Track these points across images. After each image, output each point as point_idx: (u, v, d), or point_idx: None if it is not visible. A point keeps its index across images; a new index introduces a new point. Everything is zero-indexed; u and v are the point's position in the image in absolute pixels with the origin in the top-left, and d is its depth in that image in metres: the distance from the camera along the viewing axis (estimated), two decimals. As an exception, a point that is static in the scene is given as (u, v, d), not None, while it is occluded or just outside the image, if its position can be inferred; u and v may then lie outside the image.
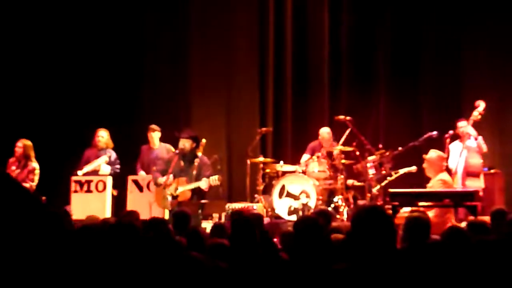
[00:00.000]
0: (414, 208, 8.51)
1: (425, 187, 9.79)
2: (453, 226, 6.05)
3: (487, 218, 8.97)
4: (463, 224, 6.99)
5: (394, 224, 3.73)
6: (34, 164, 10.64)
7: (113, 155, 11.15)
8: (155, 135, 11.48)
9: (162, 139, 11.57)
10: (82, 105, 12.88)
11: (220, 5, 13.24)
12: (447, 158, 10.25)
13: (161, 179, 9.86)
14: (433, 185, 9.63)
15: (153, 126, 11.60)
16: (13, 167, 10.68)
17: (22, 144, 10.67)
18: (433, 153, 9.96)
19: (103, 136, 11.17)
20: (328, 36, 12.96)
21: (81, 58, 12.95)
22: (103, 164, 10.96)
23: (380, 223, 3.41)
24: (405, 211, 8.99)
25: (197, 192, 9.73)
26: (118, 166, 11.17)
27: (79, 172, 10.86)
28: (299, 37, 13.10)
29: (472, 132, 10.39)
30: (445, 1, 12.52)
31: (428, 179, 9.88)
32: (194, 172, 9.77)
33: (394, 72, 12.75)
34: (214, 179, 9.63)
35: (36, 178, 10.60)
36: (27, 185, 10.18)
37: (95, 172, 10.91)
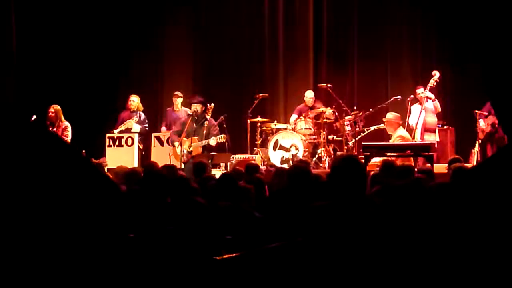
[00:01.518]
0: (383, 158, 8.51)
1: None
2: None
3: (441, 166, 9.01)
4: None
5: (366, 170, 3.73)
6: (66, 123, 10.40)
7: (142, 115, 11.12)
8: (179, 100, 11.47)
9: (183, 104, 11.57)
10: (116, 76, 12.85)
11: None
12: (408, 117, 10.24)
13: (176, 143, 9.92)
14: (394, 141, 9.64)
15: (178, 93, 11.60)
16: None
17: (54, 109, 10.42)
18: (389, 115, 9.98)
19: (134, 100, 11.12)
20: (312, 18, 12.81)
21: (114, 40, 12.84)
22: (134, 123, 10.91)
23: (355, 169, 3.44)
24: (375, 160, 8.99)
25: (207, 148, 9.85)
26: (146, 125, 11.13)
27: (115, 131, 10.84)
28: (289, 19, 12.97)
29: (431, 95, 10.32)
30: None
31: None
32: (204, 132, 9.84)
33: (365, 47, 12.60)
34: (221, 137, 9.75)
35: (69, 134, 10.35)
36: (63, 141, 10.01)
37: (128, 130, 10.87)
